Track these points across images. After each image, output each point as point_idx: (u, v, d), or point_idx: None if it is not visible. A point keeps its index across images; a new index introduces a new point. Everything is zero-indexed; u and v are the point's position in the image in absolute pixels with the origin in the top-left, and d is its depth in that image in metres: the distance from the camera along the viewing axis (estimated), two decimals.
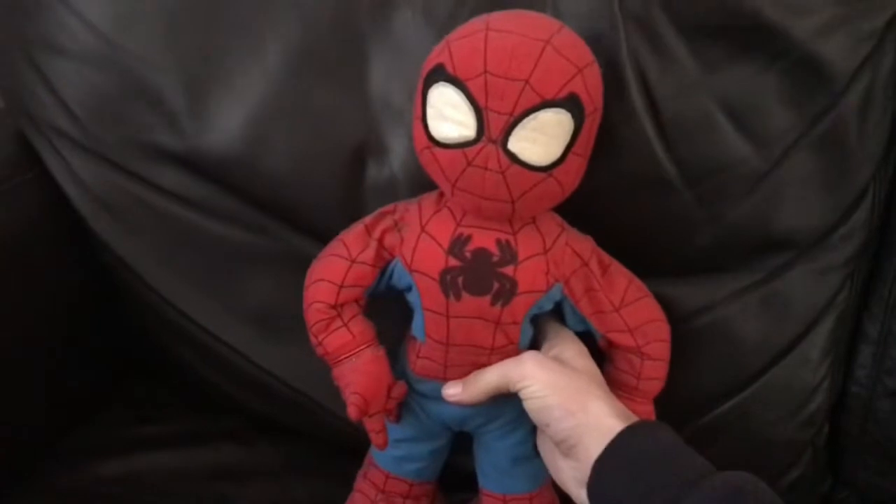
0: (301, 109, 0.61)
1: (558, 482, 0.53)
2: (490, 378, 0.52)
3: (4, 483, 0.66)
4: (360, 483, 0.64)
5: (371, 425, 0.56)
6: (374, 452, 0.63)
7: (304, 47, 0.60)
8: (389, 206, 0.55)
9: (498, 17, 0.46)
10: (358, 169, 0.62)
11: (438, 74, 0.46)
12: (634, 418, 0.49)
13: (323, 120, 0.61)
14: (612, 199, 0.60)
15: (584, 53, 0.47)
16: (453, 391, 0.54)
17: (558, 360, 0.52)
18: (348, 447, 0.68)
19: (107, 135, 0.65)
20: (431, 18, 0.59)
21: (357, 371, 0.55)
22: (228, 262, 0.68)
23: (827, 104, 0.58)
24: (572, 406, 0.49)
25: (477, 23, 0.46)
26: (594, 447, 0.46)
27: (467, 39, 0.45)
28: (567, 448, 0.49)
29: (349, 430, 0.65)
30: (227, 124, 0.62)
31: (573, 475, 0.50)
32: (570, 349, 0.54)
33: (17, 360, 0.66)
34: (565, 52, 0.45)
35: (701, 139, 0.58)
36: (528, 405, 0.51)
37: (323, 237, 0.58)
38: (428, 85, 0.47)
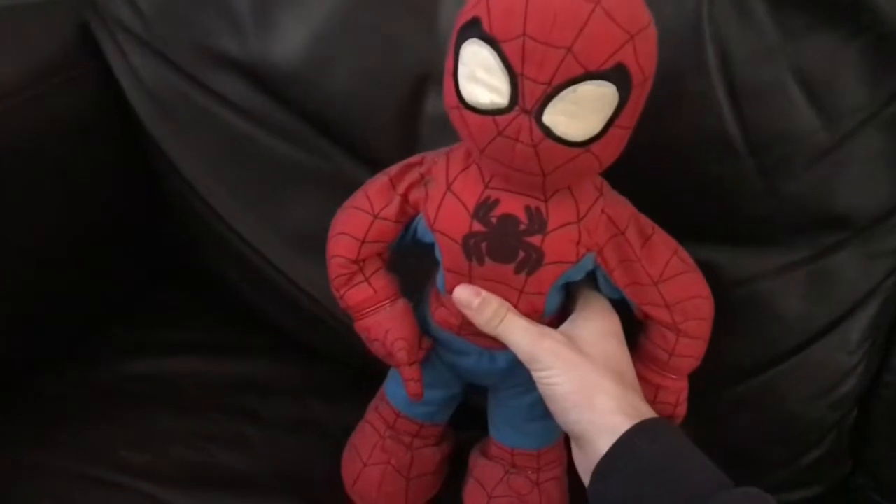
0: (368, 31, 0.60)
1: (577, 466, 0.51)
2: (516, 337, 0.49)
3: (40, 371, 0.68)
4: (370, 415, 0.64)
5: (409, 374, 0.55)
6: (386, 389, 0.63)
7: None
8: (417, 157, 0.52)
9: None
10: (419, 99, 0.61)
11: (473, 30, 0.41)
12: (644, 412, 0.47)
13: (389, 45, 0.60)
14: (669, 155, 0.58)
15: (639, 15, 0.41)
16: (466, 297, 0.49)
17: (574, 341, 0.50)
18: (372, 373, 0.68)
19: (170, 35, 0.64)
20: None
21: (396, 319, 0.54)
22: (276, 176, 0.67)
23: None
24: (578, 399, 0.47)
25: None
26: (601, 444, 0.45)
27: None
28: (575, 438, 0.48)
29: (371, 357, 0.66)
30: (292, 38, 0.61)
31: (583, 466, 0.48)
32: (592, 327, 0.51)
33: (59, 249, 0.66)
34: (616, 16, 0.39)
35: (771, 106, 0.57)
36: (539, 388, 0.49)
37: (374, 164, 0.58)
38: (461, 39, 0.42)
